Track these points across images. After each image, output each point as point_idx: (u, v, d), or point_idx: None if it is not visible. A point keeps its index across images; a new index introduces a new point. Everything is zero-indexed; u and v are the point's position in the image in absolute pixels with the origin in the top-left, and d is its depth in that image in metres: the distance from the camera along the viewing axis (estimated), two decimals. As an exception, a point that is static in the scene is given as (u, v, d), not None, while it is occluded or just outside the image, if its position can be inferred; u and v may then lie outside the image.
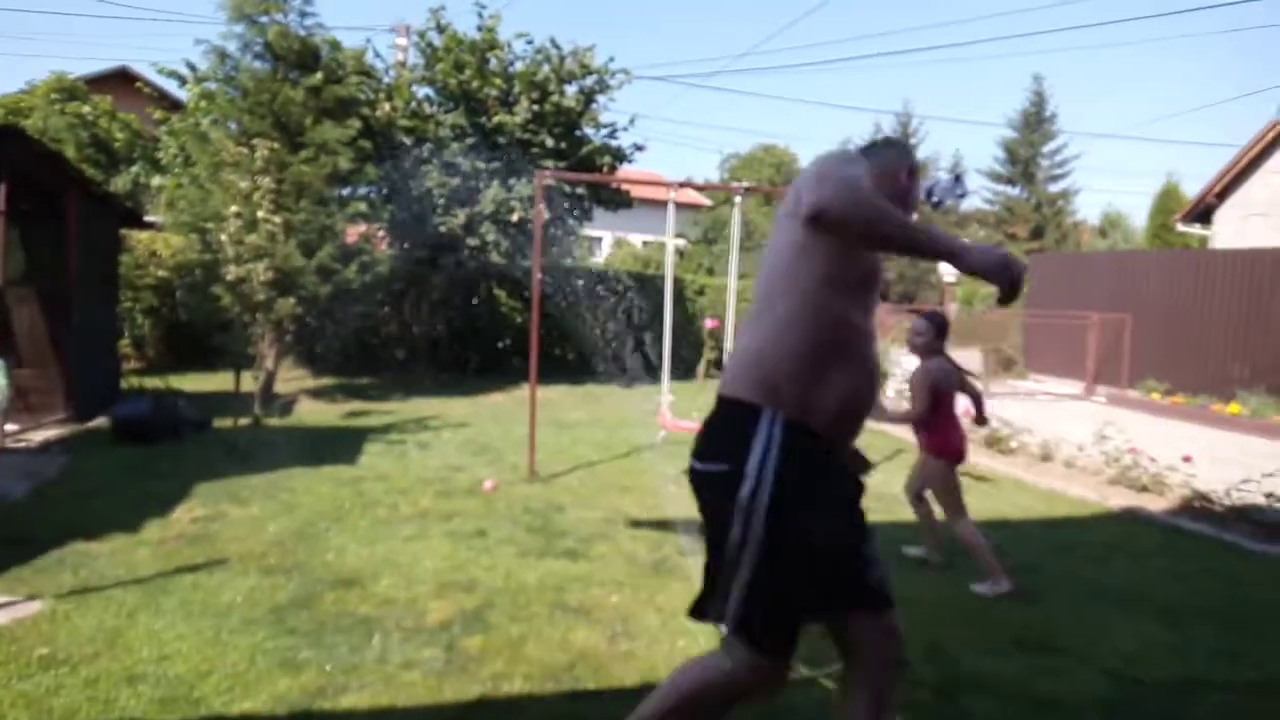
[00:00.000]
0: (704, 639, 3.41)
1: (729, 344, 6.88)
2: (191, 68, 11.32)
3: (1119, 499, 6.40)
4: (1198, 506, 6.02)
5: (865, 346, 1.99)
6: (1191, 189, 21.11)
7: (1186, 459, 6.50)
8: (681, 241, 30.40)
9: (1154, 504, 6.26)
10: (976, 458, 8.04)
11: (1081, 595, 4.25)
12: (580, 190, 13.10)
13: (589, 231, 19.98)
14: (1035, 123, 38.07)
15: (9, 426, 6.54)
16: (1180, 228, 19.03)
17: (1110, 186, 74.97)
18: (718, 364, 13.97)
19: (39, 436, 6.89)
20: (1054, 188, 38.38)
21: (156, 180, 13.43)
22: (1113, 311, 14.26)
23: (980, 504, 6.21)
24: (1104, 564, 4.83)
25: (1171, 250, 18.16)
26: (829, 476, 1.94)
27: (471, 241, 12.17)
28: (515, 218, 12.14)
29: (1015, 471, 7.41)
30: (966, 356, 17.23)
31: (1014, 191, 38.81)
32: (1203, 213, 17.74)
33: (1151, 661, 3.45)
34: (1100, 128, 73.18)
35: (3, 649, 3.02)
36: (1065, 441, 7.88)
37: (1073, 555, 4.99)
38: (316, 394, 10.83)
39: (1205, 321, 12.97)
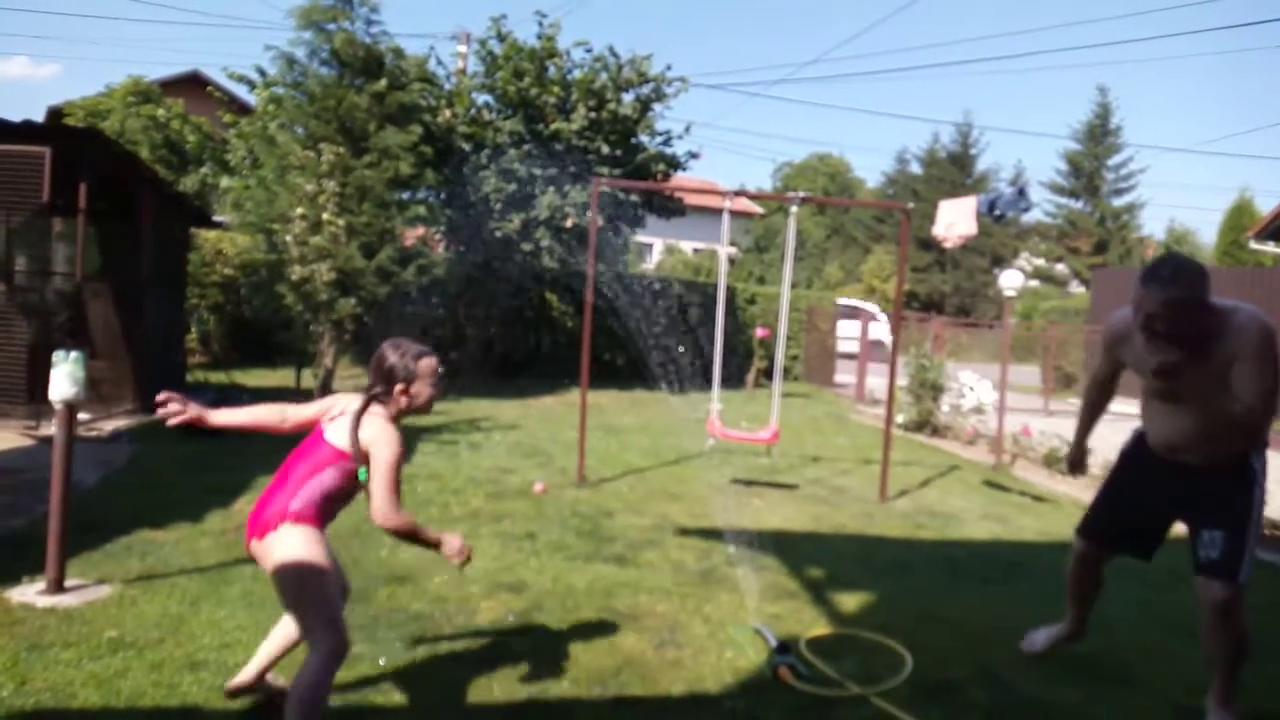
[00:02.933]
0: (752, 651, 3.39)
1: (780, 354, 6.83)
2: (261, 73, 11.69)
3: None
4: (1270, 535, 5.80)
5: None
6: (1267, 205, 20.38)
7: (1257, 485, 6.25)
8: (734, 250, 30.33)
9: (1221, 531, 6.03)
10: (1034, 477, 7.86)
11: (1146, 623, 4.13)
12: (634, 197, 13.16)
13: (640, 238, 20.07)
14: (1099, 135, 37.17)
15: (81, 416, 6.80)
16: (1253, 245, 18.39)
17: (1177, 201, 72.79)
18: (767, 374, 13.88)
19: (109, 426, 7.15)
20: (1118, 201, 37.42)
21: (225, 181, 13.84)
22: (1179, 330, 13.81)
23: (1039, 524, 6.07)
24: (1169, 591, 4.66)
25: (1245, 269, 17.56)
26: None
27: (526, 246, 12.31)
28: (569, 224, 12.26)
29: (1075, 492, 7.21)
30: (1026, 372, 16.86)
31: (1077, 205, 37.92)
32: (1278, 229, 17.10)
33: (1218, 694, 3.32)
34: (1168, 141, 71.10)
35: (75, 630, 3.14)
36: (1127, 463, 7.64)
37: (1136, 581, 4.82)
38: (372, 393, 11.04)
39: None
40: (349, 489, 2.54)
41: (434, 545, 2.60)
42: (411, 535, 2.53)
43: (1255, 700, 3.31)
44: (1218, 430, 2.82)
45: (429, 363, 2.67)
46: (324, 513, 2.50)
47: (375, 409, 2.57)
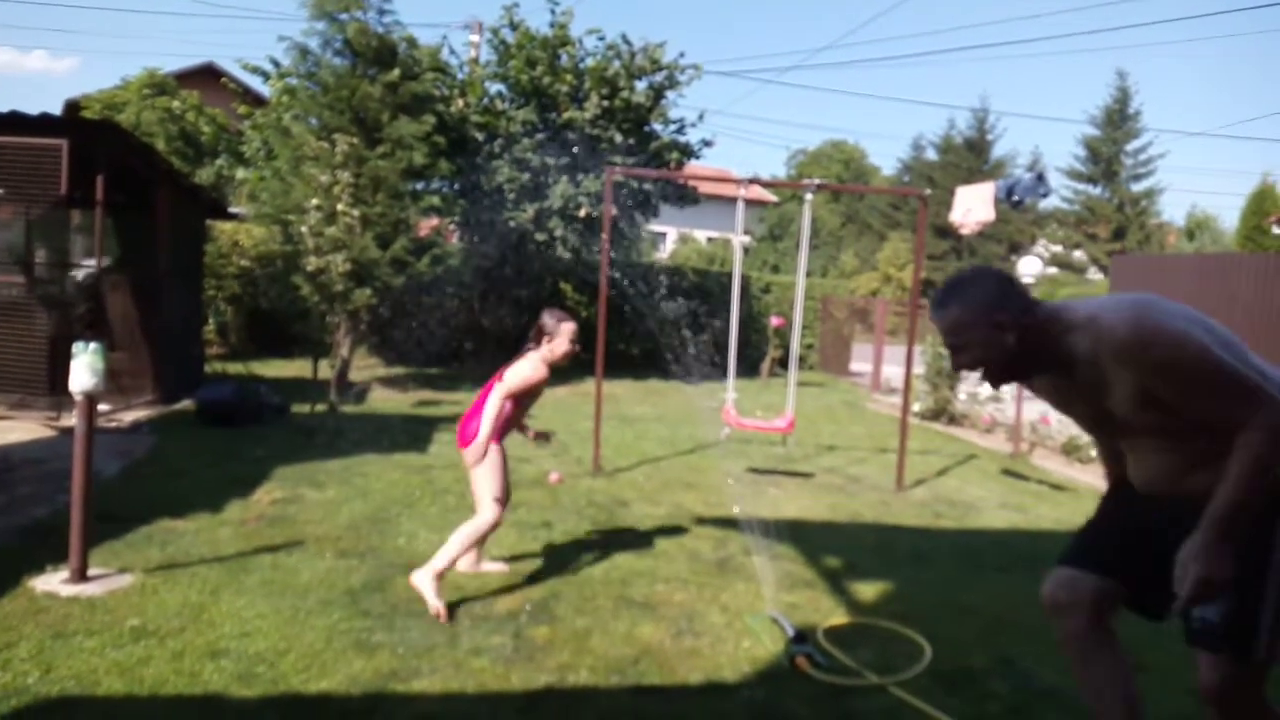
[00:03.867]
0: (769, 640, 3.38)
1: (795, 342, 6.80)
2: (275, 64, 11.70)
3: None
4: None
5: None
6: (1289, 189, 20.07)
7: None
8: (748, 238, 30.22)
9: (1243, 519, 5.98)
10: (1053, 466, 7.80)
11: (1165, 612, 4.08)
12: (648, 186, 13.12)
13: (654, 227, 19.99)
14: (1118, 120, 36.71)
15: (102, 407, 6.86)
16: (1276, 230, 18.15)
17: (1198, 186, 71.86)
18: (782, 362, 13.84)
19: (129, 417, 7.21)
20: (1137, 187, 36.97)
21: (240, 173, 13.90)
22: (1200, 317, 13.63)
23: (1058, 513, 6.03)
24: (1189, 580, 4.63)
25: (1267, 253, 17.29)
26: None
27: (539, 236, 12.30)
28: (583, 213, 12.23)
29: (1094, 481, 7.15)
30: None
31: (1095, 191, 37.51)
32: (1301, 214, 16.87)
33: (1241, 684, 3.29)
34: (1188, 125, 70.19)
35: (99, 618, 3.18)
36: (1147, 451, 7.57)
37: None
38: (388, 382, 11.10)
39: (1302, 329, 12.32)
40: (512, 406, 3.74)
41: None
42: (489, 422, 3.63)
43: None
44: (1197, 463, 2.00)
45: (569, 325, 3.84)
46: (501, 430, 3.72)
47: (531, 354, 3.78)
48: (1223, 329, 1.99)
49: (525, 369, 3.73)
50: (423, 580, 3.47)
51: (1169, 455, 2.06)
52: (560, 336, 3.80)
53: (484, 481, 3.63)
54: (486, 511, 3.63)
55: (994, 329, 2.03)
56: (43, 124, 6.91)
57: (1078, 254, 36.89)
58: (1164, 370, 1.89)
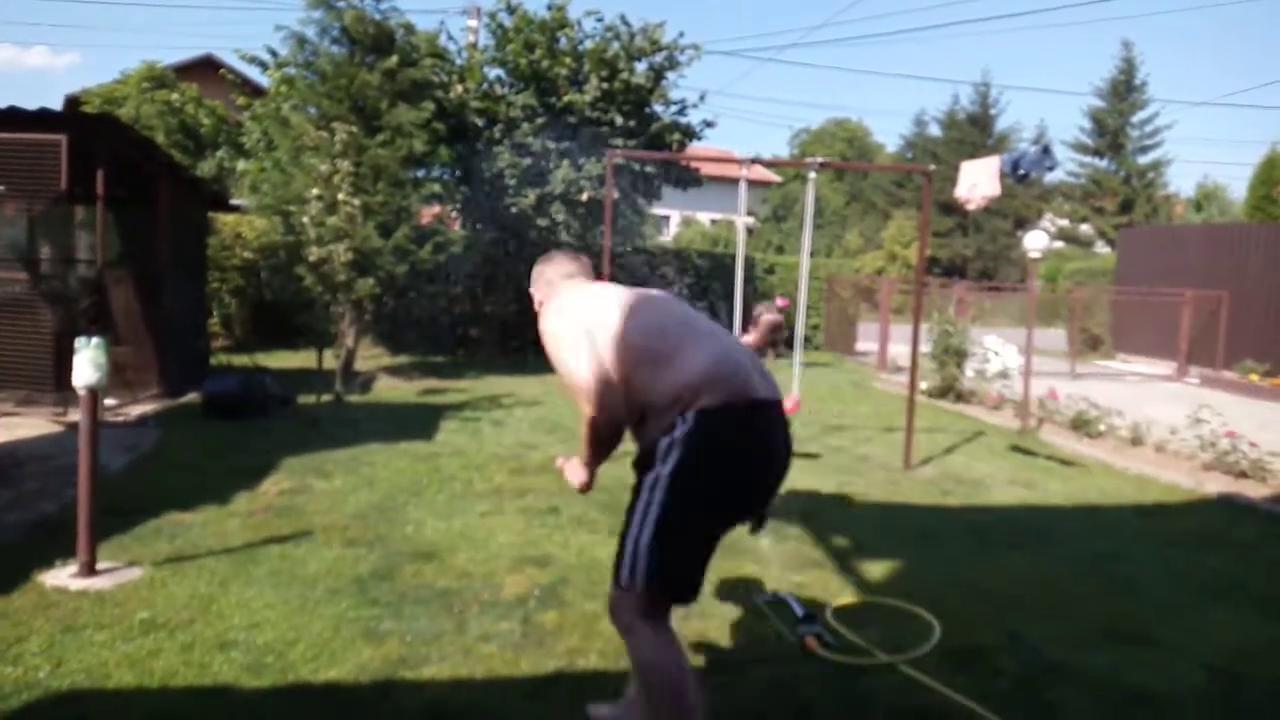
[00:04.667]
0: (778, 621, 3.38)
1: (800, 323, 6.77)
2: (272, 54, 11.61)
3: (1215, 485, 6.10)
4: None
5: None
6: (1298, 158, 19.85)
7: (1291, 444, 6.15)
8: (751, 219, 30.08)
9: (1254, 491, 5.95)
10: (1062, 441, 7.77)
11: (1176, 585, 4.07)
12: (650, 169, 13.04)
13: (657, 210, 19.90)
14: (1124, 91, 36.37)
15: (108, 401, 6.87)
16: (1285, 199, 17.95)
17: (1206, 157, 71.17)
18: (788, 343, 13.79)
19: (135, 411, 7.22)
20: (1144, 159, 36.69)
21: (241, 164, 13.84)
22: (1208, 288, 13.55)
23: (1067, 488, 6.01)
24: (1200, 553, 4.61)
25: (1276, 223, 17.12)
26: None
27: (542, 221, 12.25)
28: (585, 197, 12.17)
29: (1103, 455, 7.13)
30: (1051, 335, 16.64)
31: (1101, 163, 37.23)
32: (1310, 183, 16.67)
33: (1253, 656, 3.28)
34: (1195, 95, 69.45)
35: (108, 612, 3.19)
36: (1156, 424, 7.53)
37: (1166, 543, 4.78)
38: (394, 371, 11.10)
39: (1312, 299, 12.23)
40: None
41: None
42: None
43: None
44: (635, 423, 2.45)
45: (767, 317, 4.98)
46: None
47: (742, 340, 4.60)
48: (664, 315, 2.32)
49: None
50: None
51: None
52: (759, 327, 4.92)
53: None
54: None
55: (533, 303, 2.57)
56: (41, 119, 6.89)
57: (1085, 228, 36.66)
58: (553, 356, 2.32)
